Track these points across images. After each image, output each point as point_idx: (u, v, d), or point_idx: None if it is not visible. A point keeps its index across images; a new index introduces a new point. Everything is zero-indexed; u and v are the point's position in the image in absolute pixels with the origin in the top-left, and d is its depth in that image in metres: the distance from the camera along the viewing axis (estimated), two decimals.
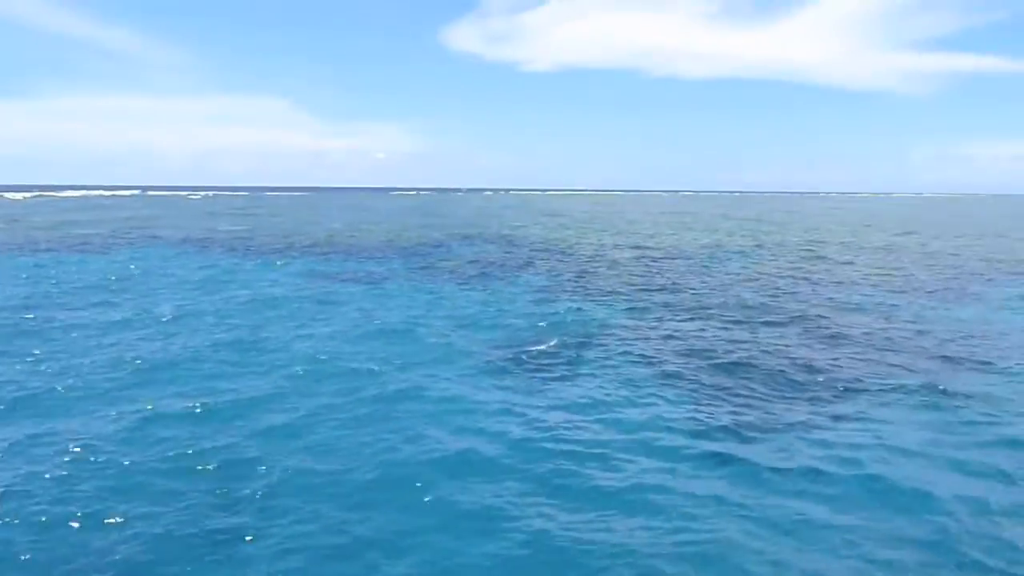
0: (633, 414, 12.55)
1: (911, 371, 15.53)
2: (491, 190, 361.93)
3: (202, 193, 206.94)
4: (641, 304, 23.75)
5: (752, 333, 19.43)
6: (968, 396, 13.61)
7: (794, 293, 26.91)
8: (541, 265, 35.01)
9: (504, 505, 9.01)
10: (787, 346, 17.90)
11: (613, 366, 15.78)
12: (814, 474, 10.03)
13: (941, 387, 14.16)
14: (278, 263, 34.59)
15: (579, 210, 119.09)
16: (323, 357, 16.07)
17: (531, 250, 43.08)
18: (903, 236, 61.29)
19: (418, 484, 9.53)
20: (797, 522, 8.62)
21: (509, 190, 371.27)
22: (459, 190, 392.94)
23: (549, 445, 10.99)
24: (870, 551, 8.01)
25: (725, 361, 16.35)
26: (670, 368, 15.58)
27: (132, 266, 32.21)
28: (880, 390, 14.07)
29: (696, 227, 72.11)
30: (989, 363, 16.23)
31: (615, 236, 57.34)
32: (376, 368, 15.24)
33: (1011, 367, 15.87)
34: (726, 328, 20.07)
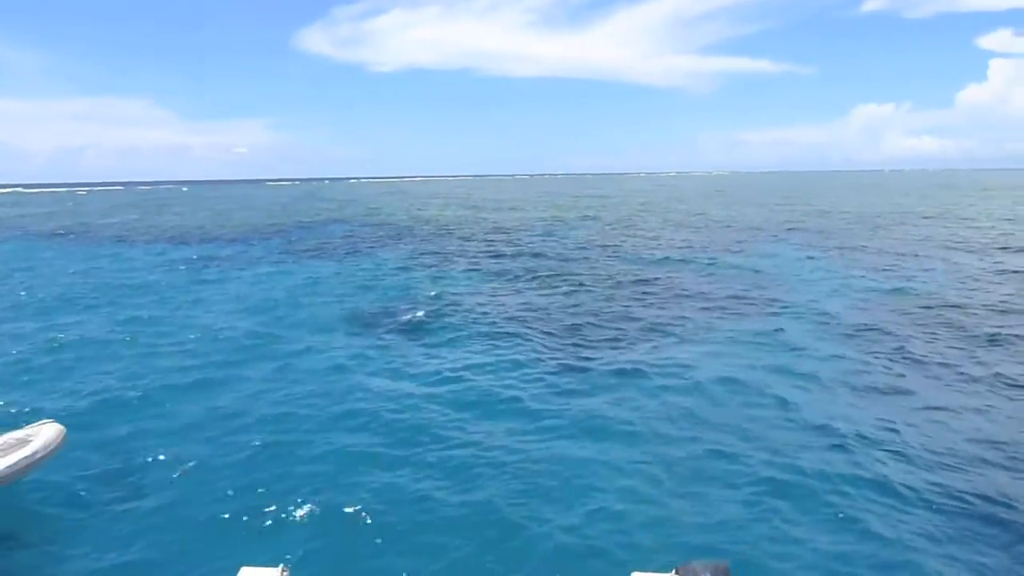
0: (494, 362, 13.36)
1: (715, 309, 17.32)
2: (354, 179, 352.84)
3: (86, 189, 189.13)
4: (496, 269, 24.70)
5: (587, 291, 20.77)
6: (758, 330, 15.51)
7: (625, 253, 28.76)
8: (420, 239, 35.28)
9: (386, 450, 9.21)
10: (624, 296, 19.37)
11: (476, 326, 16.18)
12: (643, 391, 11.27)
13: (736, 322, 16.02)
14: (204, 252, 33.01)
15: (437, 193, 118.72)
16: (229, 328, 15.92)
17: (418, 228, 43.12)
18: (703, 202, 65.88)
19: (309, 435, 9.51)
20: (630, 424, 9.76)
21: (369, 178, 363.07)
22: (323, 179, 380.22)
23: (429, 392, 11.49)
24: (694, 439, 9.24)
25: (569, 313, 17.50)
26: (517, 324, 16.32)
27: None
28: (693, 325, 15.69)
29: (538, 204, 74.03)
30: (774, 300, 18.37)
31: (469, 212, 58.05)
32: (276, 335, 15.31)
33: (787, 304, 18.05)
34: (570, 287, 21.29)
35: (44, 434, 7.78)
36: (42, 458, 7.57)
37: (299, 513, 7.34)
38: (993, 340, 13.92)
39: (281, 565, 2.99)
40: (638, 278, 22.35)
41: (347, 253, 30.63)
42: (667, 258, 27.04)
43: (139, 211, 71.55)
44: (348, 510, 7.42)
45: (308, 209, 70.01)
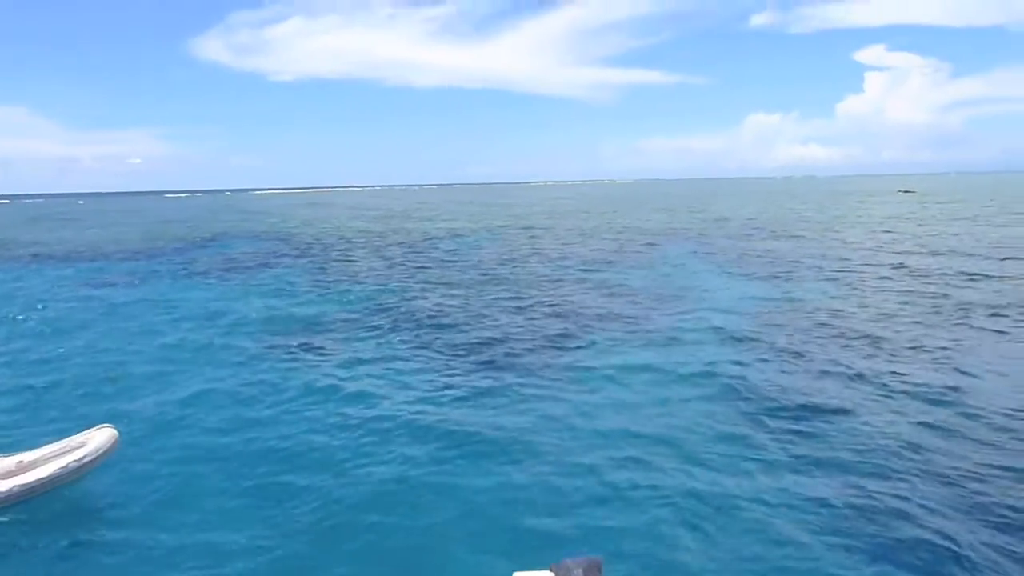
0: (406, 377, 13.75)
1: (619, 317, 18.21)
2: (258, 190, 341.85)
3: None
4: (409, 283, 24.94)
5: (496, 301, 21.34)
6: (659, 331, 16.46)
7: (535, 262, 29.57)
8: (329, 252, 34.95)
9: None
10: (533, 304, 20.02)
11: (385, 340, 16.48)
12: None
13: (644, 328, 16.94)
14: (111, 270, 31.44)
15: (347, 204, 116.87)
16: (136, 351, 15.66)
17: (328, 241, 42.51)
18: (608, 210, 67.94)
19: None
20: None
21: (275, 190, 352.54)
22: (225, 191, 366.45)
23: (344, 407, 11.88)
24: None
25: (477, 327, 18.02)
26: (427, 338, 16.48)
27: None
28: (597, 333, 16.49)
29: (448, 214, 74.22)
30: (678, 307, 19.45)
31: (379, 224, 57.59)
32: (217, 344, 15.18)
33: (689, 308, 19.16)
34: (480, 299, 21.80)
35: (97, 439, 7.96)
36: (92, 462, 7.80)
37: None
38: (879, 341, 15.37)
39: None
40: (548, 288, 23.10)
41: (259, 266, 30.17)
42: (575, 267, 27.97)
43: (44, 226, 68.03)
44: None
45: (217, 221, 67.86)
